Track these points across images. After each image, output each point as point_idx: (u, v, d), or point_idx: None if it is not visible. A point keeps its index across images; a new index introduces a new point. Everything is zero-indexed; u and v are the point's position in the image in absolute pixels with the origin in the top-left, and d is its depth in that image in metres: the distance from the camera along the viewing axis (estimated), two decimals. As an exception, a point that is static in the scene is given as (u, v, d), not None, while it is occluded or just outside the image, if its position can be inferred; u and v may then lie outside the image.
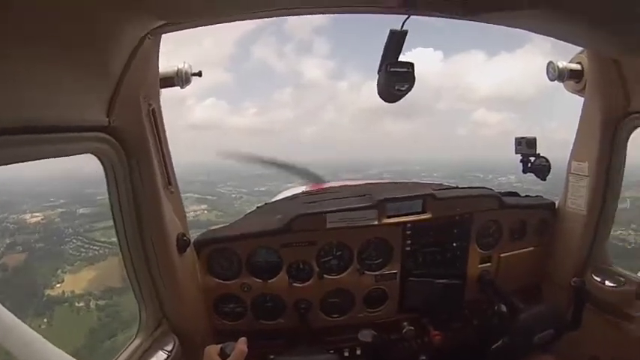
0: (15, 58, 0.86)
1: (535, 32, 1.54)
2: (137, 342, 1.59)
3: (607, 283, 2.06)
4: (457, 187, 2.47)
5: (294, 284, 2.01)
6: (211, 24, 1.47)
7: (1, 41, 0.80)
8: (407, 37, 1.33)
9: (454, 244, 2.14)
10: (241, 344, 1.34)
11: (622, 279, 2.02)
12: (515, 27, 1.52)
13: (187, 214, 1.97)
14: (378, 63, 1.40)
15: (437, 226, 2.10)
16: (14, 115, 0.94)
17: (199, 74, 1.72)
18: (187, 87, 1.74)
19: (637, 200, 13.10)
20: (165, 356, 1.60)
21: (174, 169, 1.73)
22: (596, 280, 2.09)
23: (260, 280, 1.99)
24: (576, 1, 1.21)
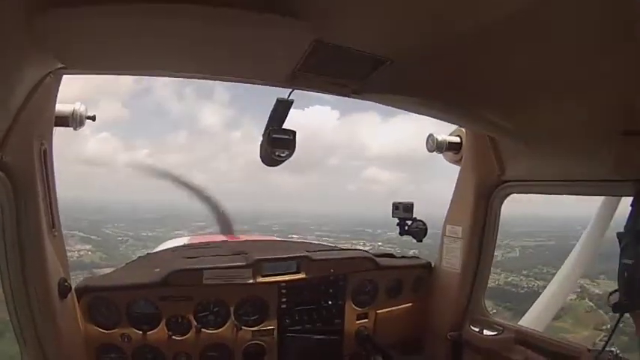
0: None
1: (416, 113, 1.71)
2: None
3: (486, 332, 2.23)
4: (333, 249, 2.63)
5: (174, 337, 1.99)
6: (108, 74, 1.51)
7: None
8: (304, 95, 1.42)
9: (329, 302, 2.25)
10: None
11: (500, 327, 2.21)
12: (397, 107, 1.66)
13: (71, 254, 1.92)
14: None
15: (311, 286, 2.21)
16: None
17: (93, 118, 1.69)
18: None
19: (525, 249, 14.90)
20: None
21: (59, 209, 1.67)
22: (475, 330, 2.26)
23: (140, 332, 1.95)
24: (450, 92, 1.38)
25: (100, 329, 1.92)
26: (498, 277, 13.08)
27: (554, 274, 3.68)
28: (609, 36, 0.89)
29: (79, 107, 1.63)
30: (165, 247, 3.07)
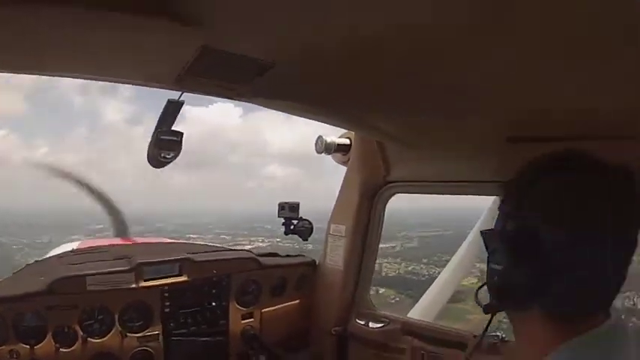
0: None
1: (303, 117, 1.73)
2: None
3: (371, 324, 2.34)
4: (218, 249, 2.66)
5: (61, 349, 1.89)
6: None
7: None
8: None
9: (213, 304, 2.27)
10: None
11: (386, 319, 2.31)
12: (284, 112, 1.68)
13: None
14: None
15: (194, 288, 2.21)
16: None
17: None
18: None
19: (424, 239, 16.26)
20: None
21: None
22: (360, 324, 2.37)
23: (27, 346, 1.84)
24: (336, 98, 1.42)
25: None
26: (399, 266, 13.81)
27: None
28: (489, 46, 0.92)
29: None
30: (55, 253, 2.88)
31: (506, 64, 1.00)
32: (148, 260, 2.09)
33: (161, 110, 1.44)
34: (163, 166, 1.51)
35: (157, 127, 1.44)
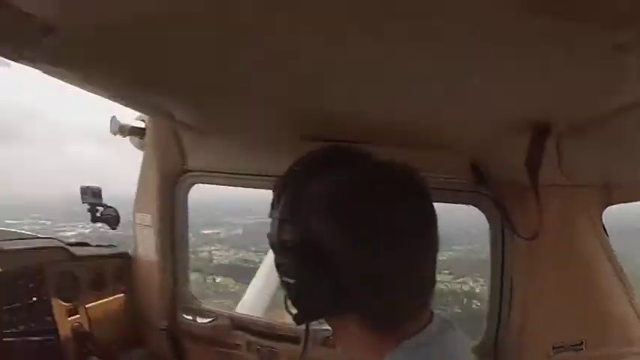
0: None
1: (86, 90, 1.46)
2: None
3: (199, 320, 2.24)
4: (26, 238, 2.29)
5: None
6: None
7: None
8: None
9: (34, 299, 2.01)
10: None
11: (214, 314, 2.22)
12: (70, 83, 1.41)
13: None
14: None
15: (8, 281, 1.93)
16: None
17: None
18: None
19: (248, 226, 16.15)
20: None
21: None
22: (188, 319, 2.26)
23: None
24: (121, 74, 1.26)
25: None
26: (227, 253, 13.86)
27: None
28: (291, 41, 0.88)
29: None
30: None
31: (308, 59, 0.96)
32: None
33: None
34: None
35: None
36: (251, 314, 2.55)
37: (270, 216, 0.83)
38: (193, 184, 2.22)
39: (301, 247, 0.74)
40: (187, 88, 1.35)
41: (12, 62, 1.20)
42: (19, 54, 1.22)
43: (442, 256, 0.81)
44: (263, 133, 1.72)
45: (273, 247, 0.83)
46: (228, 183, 2.18)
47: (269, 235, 0.82)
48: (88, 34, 1.05)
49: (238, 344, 2.17)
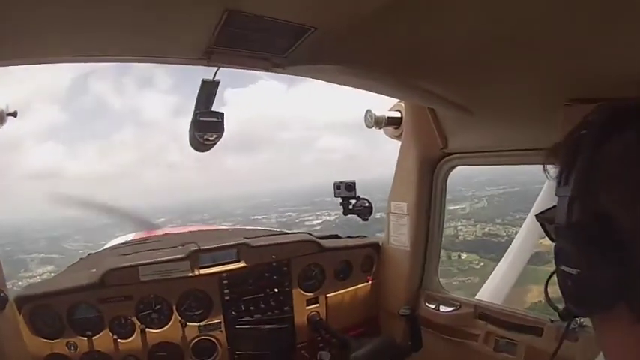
0: None
1: (351, 87, 1.61)
2: None
3: (442, 308, 2.21)
4: (276, 233, 2.56)
5: (119, 340, 1.93)
6: (29, 64, 1.35)
7: None
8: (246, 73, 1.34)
9: (276, 290, 2.20)
10: None
11: (457, 303, 2.17)
12: (327, 81, 1.57)
13: (34, 280, 1.82)
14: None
15: (254, 274, 2.15)
16: None
17: (15, 115, 1.61)
18: (9, 128, 1.62)
19: (492, 198, 15.37)
20: None
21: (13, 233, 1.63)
22: (430, 307, 2.24)
23: (85, 338, 1.88)
24: (383, 59, 1.29)
25: (45, 339, 1.84)
26: (474, 228, 13.35)
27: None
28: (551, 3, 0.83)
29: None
30: (108, 246, 2.95)
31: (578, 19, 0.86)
32: (203, 247, 2.05)
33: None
34: (208, 149, 1.48)
35: (195, 110, 1.41)
36: (492, 301, 2.37)
37: (557, 194, 0.70)
38: (453, 167, 2.14)
39: (589, 228, 0.62)
40: (449, 64, 1.28)
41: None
42: (270, 63, 1.34)
43: None
44: (529, 104, 1.50)
45: (557, 231, 0.69)
46: (493, 162, 2.01)
47: (558, 216, 0.68)
48: (345, 27, 1.06)
49: (476, 335, 2.07)
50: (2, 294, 1.60)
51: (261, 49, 1.26)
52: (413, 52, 1.22)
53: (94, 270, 1.94)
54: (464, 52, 1.17)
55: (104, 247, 2.94)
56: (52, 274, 1.77)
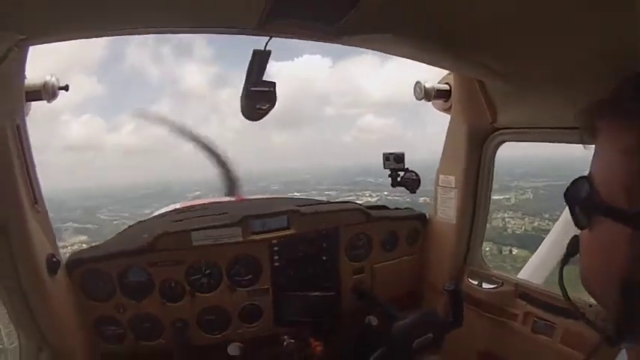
0: None
1: (401, 57, 1.61)
2: None
3: (485, 285, 2.20)
4: (323, 202, 2.57)
5: (168, 304, 1.99)
6: (73, 39, 1.40)
7: None
8: (291, 46, 1.35)
9: (324, 258, 2.21)
10: None
11: (499, 280, 2.17)
12: (378, 50, 1.56)
13: (65, 250, 1.91)
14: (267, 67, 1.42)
15: (304, 241, 2.18)
16: None
17: (66, 88, 1.64)
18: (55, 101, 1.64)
19: (537, 190, 14.63)
20: None
21: (42, 187, 1.64)
22: (473, 284, 2.24)
23: (134, 301, 1.96)
24: (434, 27, 1.28)
25: (95, 302, 1.92)
26: (522, 222, 12.80)
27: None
28: None
29: (50, 78, 1.59)
30: (155, 214, 3.03)
31: None
32: (254, 213, 2.09)
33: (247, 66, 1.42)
34: (260, 118, 1.50)
35: (246, 80, 1.43)
36: (531, 281, 2.31)
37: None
38: (502, 142, 2.10)
39: None
40: (502, 37, 1.26)
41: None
42: (323, 33, 1.34)
43: None
44: (582, 80, 1.39)
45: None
46: (542, 139, 1.94)
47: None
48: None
49: (516, 314, 2.06)
50: (55, 259, 1.67)
51: (315, 19, 1.27)
52: (464, 21, 1.22)
53: (146, 235, 2.01)
54: (517, 23, 1.15)
55: (152, 216, 3.01)
56: (84, 245, 1.94)
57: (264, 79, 1.45)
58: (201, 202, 3.32)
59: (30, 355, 1.59)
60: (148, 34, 1.45)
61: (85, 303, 1.90)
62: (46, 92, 1.59)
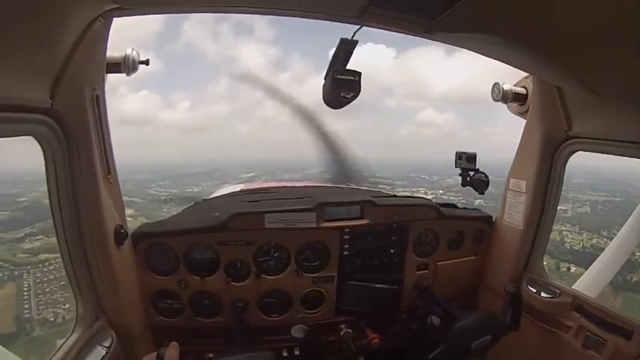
0: None
1: (490, 57, 1.60)
2: (74, 337, 1.55)
3: (542, 294, 2.17)
4: (396, 196, 2.58)
5: (232, 283, 2.01)
6: (165, 13, 1.45)
7: None
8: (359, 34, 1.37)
9: (391, 251, 2.22)
10: (171, 350, 1.36)
11: (557, 291, 2.13)
12: (469, 49, 1.56)
13: None
14: (328, 53, 1.48)
15: (374, 233, 2.17)
16: None
17: (146, 62, 1.69)
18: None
19: (595, 204, 13.48)
20: (104, 352, 1.56)
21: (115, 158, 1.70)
22: (532, 291, 2.20)
23: (197, 278, 1.98)
24: (525, 31, 1.27)
25: (157, 275, 1.96)
26: (580, 237, 11.96)
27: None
28: None
29: (131, 52, 1.62)
30: (221, 194, 3.05)
31: None
32: (330, 200, 2.08)
33: (313, 51, 1.51)
34: (342, 106, 1.52)
35: (330, 67, 1.44)
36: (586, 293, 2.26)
37: None
38: (575, 151, 2.07)
39: None
40: (589, 44, 1.22)
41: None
42: (422, 27, 1.33)
43: None
44: None
45: None
46: (618, 152, 1.88)
47: None
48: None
49: (569, 326, 2.03)
50: (123, 230, 1.70)
51: (415, 12, 1.25)
52: (553, 27, 1.19)
53: (217, 214, 2.02)
54: (605, 33, 1.13)
55: (214, 195, 3.03)
56: (129, 219, 1.92)
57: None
58: (266, 185, 3.36)
59: (86, 323, 1.61)
60: (246, 13, 1.45)
61: (147, 276, 1.94)
62: (126, 65, 1.62)
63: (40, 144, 1.39)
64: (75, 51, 1.27)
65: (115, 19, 1.40)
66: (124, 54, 1.62)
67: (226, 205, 2.19)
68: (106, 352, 1.56)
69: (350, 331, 2.11)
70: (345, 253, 2.13)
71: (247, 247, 2.00)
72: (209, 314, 2.04)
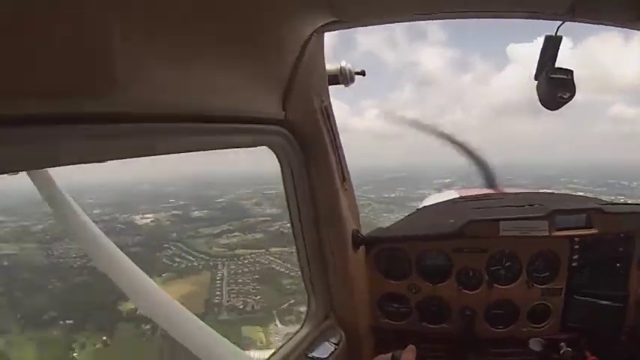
0: (184, 46, 0.87)
1: None
2: (304, 331, 1.69)
3: None
4: (624, 203, 2.36)
5: (463, 290, 1.99)
6: (379, 24, 1.49)
7: (176, 30, 0.83)
8: (528, 26, 1.44)
9: (618, 264, 1.99)
10: (407, 353, 1.28)
11: None
12: None
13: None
14: (506, 51, 1.79)
15: (603, 243, 1.98)
16: (187, 104, 0.96)
17: (363, 73, 1.75)
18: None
19: None
20: (333, 348, 1.67)
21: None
22: None
23: (429, 283, 1.99)
24: None
25: (388, 279, 2.01)
26: None
27: None
28: None
29: (346, 64, 1.69)
30: (437, 200, 3.04)
31: None
32: (561, 208, 1.96)
33: (494, 50, 1.73)
34: (559, 108, 1.41)
35: (539, 66, 1.38)
36: None
37: None
38: None
39: None
40: None
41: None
42: (629, 15, 1.23)
43: None
44: None
45: None
46: None
47: None
48: None
49: None
50: (359, 234, 1.81)
51: (628, 2, 1.17)
52: None
53: (452, 221, 2.00)
54: None
55: (429, 202, 3.04)
56: None
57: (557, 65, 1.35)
58: (478, 193, 3.18)
59: (317, 319, 1.72)
60: (457, 18, 1.45)
61: (377, 279, 1.99)
62: (344, 77, 1.68)
63: (275, 153, 1.51)
64: (299, 64, 1.35)
65: None
66: (338, 66, 1.70)
67: (457, 212, 2.19)
68: (335, 349, 1.68)
69: (570, 350, 1.95)
70: (574, 264, 1.98)
71: (480, 255, 1.98)
72: (435, 320, 2.05)
